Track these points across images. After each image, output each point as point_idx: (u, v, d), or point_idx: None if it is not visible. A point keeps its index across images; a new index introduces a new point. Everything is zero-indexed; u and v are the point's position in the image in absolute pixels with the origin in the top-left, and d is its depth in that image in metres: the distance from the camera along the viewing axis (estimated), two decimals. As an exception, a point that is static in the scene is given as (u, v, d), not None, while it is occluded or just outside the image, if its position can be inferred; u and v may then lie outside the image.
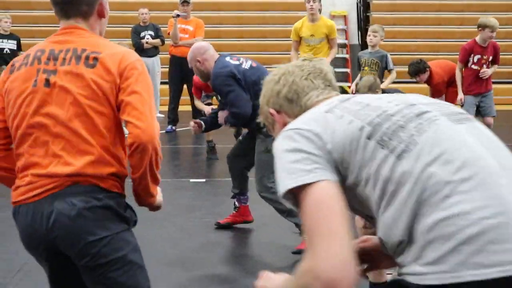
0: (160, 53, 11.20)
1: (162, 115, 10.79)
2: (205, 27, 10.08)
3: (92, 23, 2.36)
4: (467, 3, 15.81)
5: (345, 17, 16.08)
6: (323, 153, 1.52)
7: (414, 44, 14.86)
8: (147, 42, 10.75)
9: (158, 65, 11.00)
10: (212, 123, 5.08)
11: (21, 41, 10.70)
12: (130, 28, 11.20)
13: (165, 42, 10.93)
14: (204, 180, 6.96)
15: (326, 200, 1.45)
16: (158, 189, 2.39)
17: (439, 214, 1.40)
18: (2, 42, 10.21)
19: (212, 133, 7.55)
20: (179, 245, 4.84)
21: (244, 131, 5.38)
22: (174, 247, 4.79)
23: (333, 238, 1.40)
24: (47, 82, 2.24)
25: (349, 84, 13.35)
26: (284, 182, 1.51)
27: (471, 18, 13.64)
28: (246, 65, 4.88)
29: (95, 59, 2.23)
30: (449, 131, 1.52)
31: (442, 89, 7.67)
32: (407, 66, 7.79)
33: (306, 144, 1.54)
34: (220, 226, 5.22)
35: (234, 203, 5.24)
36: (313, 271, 1.39)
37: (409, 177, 1.44)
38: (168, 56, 10.15)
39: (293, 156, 1.52)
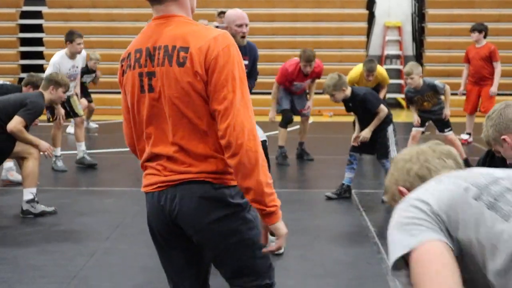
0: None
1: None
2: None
3: (183, 2, 2.32)
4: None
5: (399, 28, 15.92)
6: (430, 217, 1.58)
7: (471, 55, 14.57)
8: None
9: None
10: None
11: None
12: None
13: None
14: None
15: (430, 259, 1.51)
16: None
17: None
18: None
19: (285, 139, 8.24)
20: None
21: None
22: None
23: None
24: (151, 87, 2.28)
25: (402, 95, 13.17)
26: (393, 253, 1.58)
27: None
28: None
29: (185, 57, 2.23)
30: None
31: None
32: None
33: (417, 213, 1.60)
34: None
35: None
36: None
37: None
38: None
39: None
